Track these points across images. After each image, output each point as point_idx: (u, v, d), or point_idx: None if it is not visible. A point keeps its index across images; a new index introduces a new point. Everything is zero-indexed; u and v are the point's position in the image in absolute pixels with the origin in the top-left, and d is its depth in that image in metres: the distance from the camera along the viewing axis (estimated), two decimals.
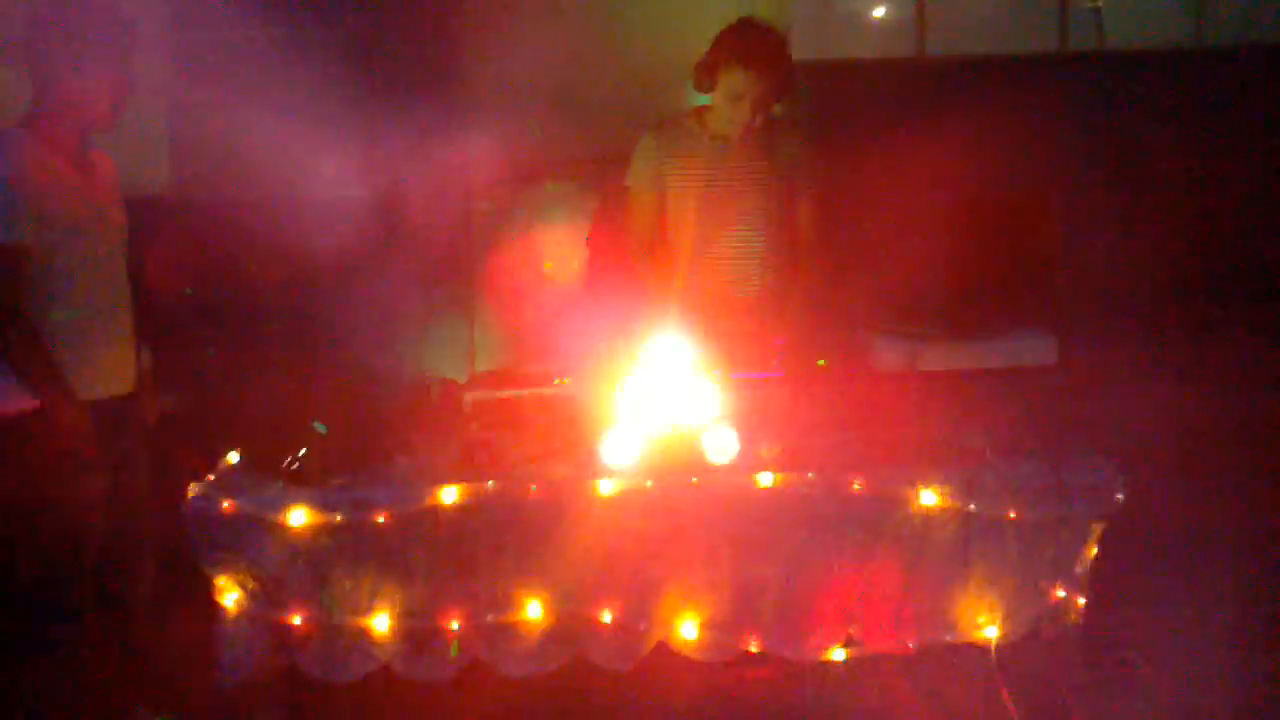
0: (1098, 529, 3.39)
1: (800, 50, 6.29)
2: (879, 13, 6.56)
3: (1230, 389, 5.84)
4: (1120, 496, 3.36)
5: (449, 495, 3.27)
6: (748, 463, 3.36)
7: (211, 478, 3.42)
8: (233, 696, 3.30)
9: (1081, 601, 3.39)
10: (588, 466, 3.36)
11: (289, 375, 5.46)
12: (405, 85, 6.34)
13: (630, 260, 4.25)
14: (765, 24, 4.06)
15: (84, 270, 3.36)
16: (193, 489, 3.33)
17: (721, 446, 3.34)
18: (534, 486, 3.30)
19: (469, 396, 3.80)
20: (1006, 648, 3.34)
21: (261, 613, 3.29)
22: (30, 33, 3.34)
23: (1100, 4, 6.30)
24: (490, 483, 3.31)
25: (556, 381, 3.83)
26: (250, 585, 3.28)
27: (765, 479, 3.33)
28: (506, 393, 3.79)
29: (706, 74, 4.03)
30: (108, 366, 3.46)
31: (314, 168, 6.29)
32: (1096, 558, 3.40)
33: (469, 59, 6.41)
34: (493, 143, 6.41)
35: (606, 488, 3.30)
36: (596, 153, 4.26)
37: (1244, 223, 6.24)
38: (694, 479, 3.32)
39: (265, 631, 3.30)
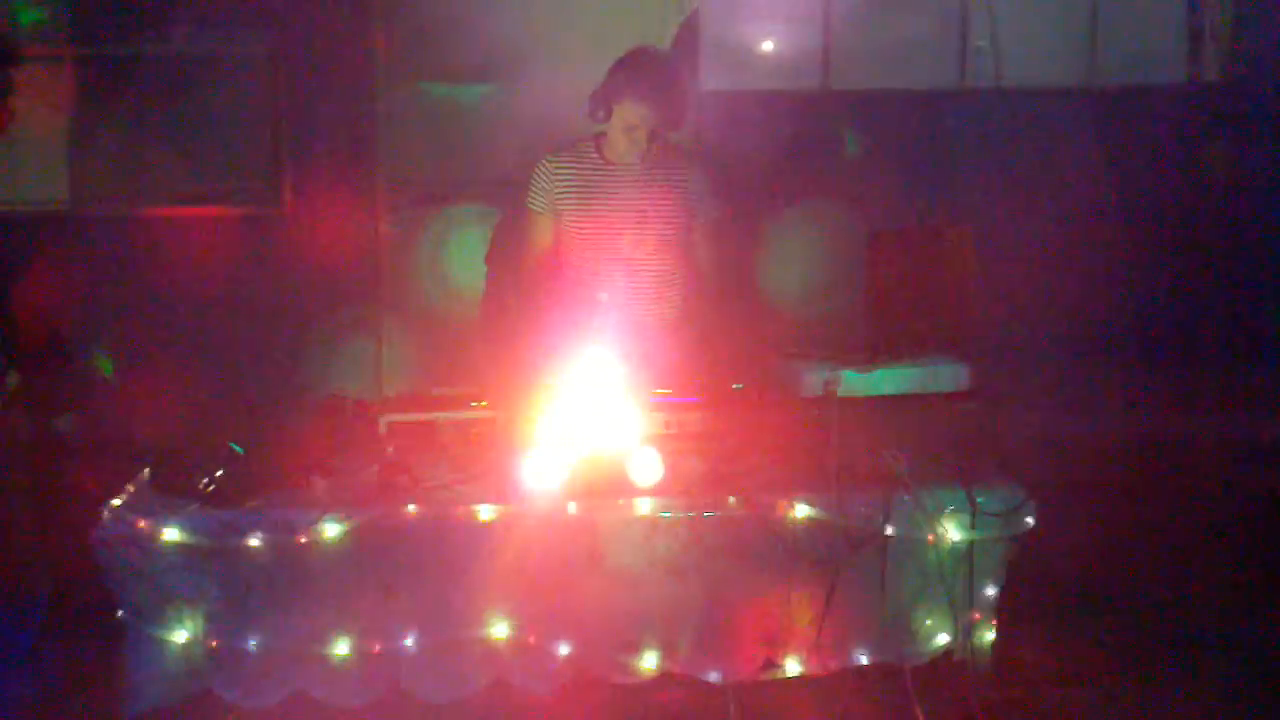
0: (1008, 552, 3.47)
1: (709, 81, 6.41)
2: (786, 47, 6.67)
3: (1138, 414, 6.04)
4: (1030, 520, 3.44)
5: (368, 518, 3.23)
6: (670, 486, 3.37)
7: (121, 499, 3.34)
8: None
9: (993, 623, 3.47)
10: (508, 490, 3.34)
11: (196, 394, 5.37)
12: (313, 103, 6.29)
13: (526, 280, 4.25)
14: (660, 53, 4.06)
15: None
16: (105, 511, 3.25)
17: (646, 469, 3.35)
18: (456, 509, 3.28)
19: (384, 419, 3.76)
20: (920, 669, 3.40)
21: (173, 637, 3.22)
22: None
23: (983, 44, 6.52)
24: (410, 506, 3.28)
25: (473, 404, 3.81)
26: (163, 609, 3.21)
27: (687, 502, 3.34)
28: (423, 415, 3.77)
29: (602, 104, 4.02)
30: None
31: (218, 184, 6.22)
32: (1007, 580, 3.48)
33: (379, 78, 6.37)
34: (401, 162, 6.39)
35: (526, 510, 3.29)
36: (501, 174, 4.26)
37: (1141, 251, 6.47)
38: (619, 501, 3.32)
39: (177, 657, 3.23)
